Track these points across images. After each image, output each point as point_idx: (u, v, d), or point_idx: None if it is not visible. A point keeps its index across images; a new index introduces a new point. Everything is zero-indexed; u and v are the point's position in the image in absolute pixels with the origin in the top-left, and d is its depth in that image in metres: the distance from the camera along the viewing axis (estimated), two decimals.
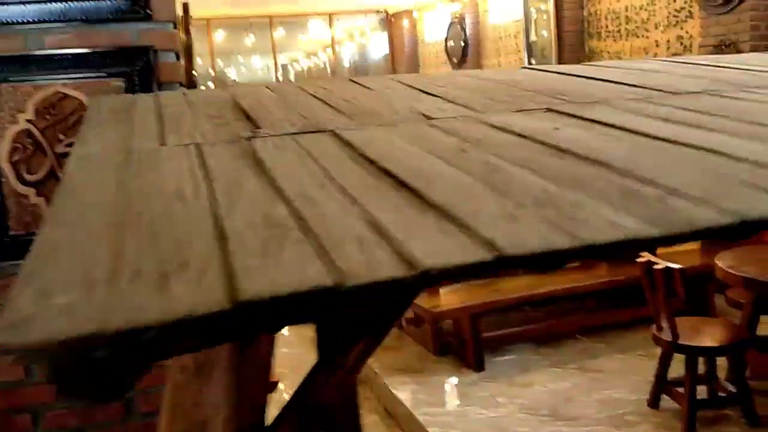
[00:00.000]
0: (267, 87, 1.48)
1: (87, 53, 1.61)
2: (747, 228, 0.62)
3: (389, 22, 11.58)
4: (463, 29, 9.05)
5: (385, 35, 11.80)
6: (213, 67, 12.05)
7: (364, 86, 1.42)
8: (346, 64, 13.99)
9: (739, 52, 4.87)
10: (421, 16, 10.60)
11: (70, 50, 1.60)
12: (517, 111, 1.14)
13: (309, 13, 10.96)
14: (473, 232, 0.59)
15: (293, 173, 0.82)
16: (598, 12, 6.69)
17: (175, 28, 1.71)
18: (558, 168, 0.78)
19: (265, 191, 0.74)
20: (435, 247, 0.57)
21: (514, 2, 7.66)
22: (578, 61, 6.94)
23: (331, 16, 11.31)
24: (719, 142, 0.86)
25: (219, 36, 11.18)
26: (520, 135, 0.95)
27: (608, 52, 6.62)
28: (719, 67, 1.51)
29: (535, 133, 0.95)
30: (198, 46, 11.69)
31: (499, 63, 8.73)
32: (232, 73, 17.70)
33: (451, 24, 9.34)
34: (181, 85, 1.75)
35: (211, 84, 12.11)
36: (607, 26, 6.60)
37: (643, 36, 6.14)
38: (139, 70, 1.63)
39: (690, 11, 5.57)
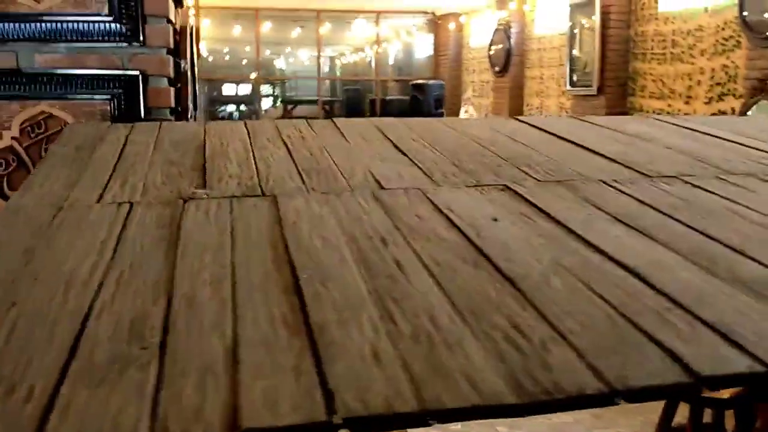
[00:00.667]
0: (246, 125, 1.46)
1: (76, 74, 1.62)
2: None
3: (436, 24, 11.48)
4: (508, 37, 8.91)
5: (431, 37, 11.71)
6: (258, 55, 12.17)
7: (342, 134, 1.38)
8: (391, 62, 13.96)
9: None
10: (468, 21, 10.48)
11: (60, 70, 1.62)
12: (474, 186, 1.10)
13: (356, 10, 10.94)
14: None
15: (200, 258, 0.80)
16: (645, 33, 6.50)
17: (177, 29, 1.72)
18: (463, 284, 0.74)
19: (155, 287, 0.73)
20: None
21: (561, 15, 7.50)
22: (620, 82, 6.77)
23: (378, 15, 11.27)
24: (652, 263, 0.80)
25: (266, 27, 11.27)
26: (452, 224, 0.92)
27: (651, 75, 6.43)
28: (713, 137, 1.42)
29: (469, 225, 0.92)
30: (245, 34, 11.84)
31: (541, 75, 8.58)
32: (279, 63, 17.84)
33: (496, 31, 9.21)
34: (172, 111, 1.75)
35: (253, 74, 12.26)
36: (652, 48, 6.41)
37: (688, 62, 5.94)
38: (126, 94, 1.63)
39: (738, 41, 5.36)
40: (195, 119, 2.94)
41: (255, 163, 1.21)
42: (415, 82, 10.54)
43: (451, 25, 10.87)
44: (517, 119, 1.67)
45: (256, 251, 0.82)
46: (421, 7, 10.94)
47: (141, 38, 1.66)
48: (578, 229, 0.90)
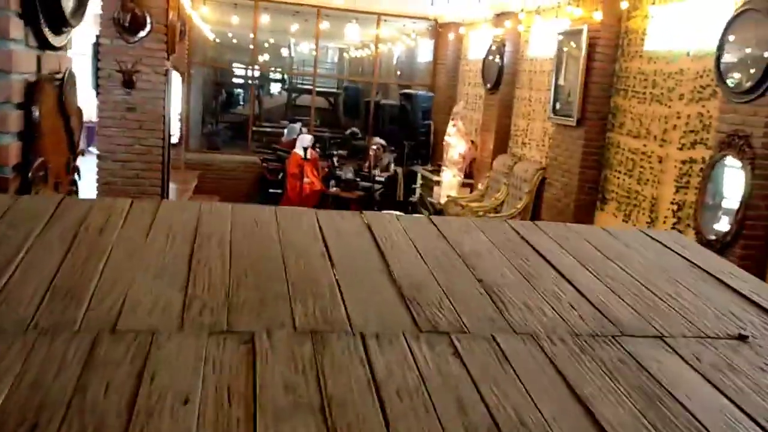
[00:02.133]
0: (201, 207, 1.32)
1: None
2: None
3: (437, 32, 11.36)
4: (501, 55, 8.79)
5: (431, 43, 11.59)
6: (255, 45, 12.11)
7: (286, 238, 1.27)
8: (394, 62, 13.85)
9: (750, 147, 4.57)
10: (467, 33, 10.36)
11: None
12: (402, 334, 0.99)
13: (357, 10, 10.82)
14: None
15: None
16: (629, 69, 6.38)
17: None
18: None
19: None
20: None
21: (552, 40, 7.38)
22: (601, 116, 6.65)
23: (379, 17, 11.15)
24: None
25: (265, 18, 11.18)
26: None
27: (631, 112, 6.31)
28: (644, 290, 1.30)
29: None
30: (243, 23, 11.75)
31: (530, 97, 8.46)
32: (284, 52, 17.74)
33: (490, 47, 9.09)
34: (16, 168, 1.66)
35: (265, 57, 12.18)
36: (634, 86, 6.29)
37: (666, 104, 5.82)
38: None
39: (715, 90, 5.24)
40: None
41: (156, 283, 1.06)
42: (404, 91, 10.45)
43: (451, 35, 10.75)
44: (508, 223, 1.55)
45: None
46: (423, 13, 10.82)
47: None
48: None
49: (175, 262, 1.08)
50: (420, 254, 1.25)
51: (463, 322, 1.03)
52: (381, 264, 1.18)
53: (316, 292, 1.04)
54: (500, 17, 8.80)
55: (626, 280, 1.25)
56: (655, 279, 1.27)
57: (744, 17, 4.69)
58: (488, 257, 1.28)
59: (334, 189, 10.04)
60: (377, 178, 10.08)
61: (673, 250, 1.42)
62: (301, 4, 10.64)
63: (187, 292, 0.99)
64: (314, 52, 13.57)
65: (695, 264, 1.36)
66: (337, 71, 18.64)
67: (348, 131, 12.75)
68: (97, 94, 5.69)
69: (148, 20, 5.46)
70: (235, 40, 15.38)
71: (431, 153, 10.81)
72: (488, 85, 9.12)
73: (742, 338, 1.06)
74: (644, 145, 6.07)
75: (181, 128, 10.06)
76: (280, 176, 10.31)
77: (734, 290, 1.25)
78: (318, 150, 10.57)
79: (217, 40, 14.28)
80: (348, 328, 0.95)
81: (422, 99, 9.64)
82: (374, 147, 10.57)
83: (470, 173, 9.70)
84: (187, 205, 1.40)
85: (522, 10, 8.06)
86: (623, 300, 1.17)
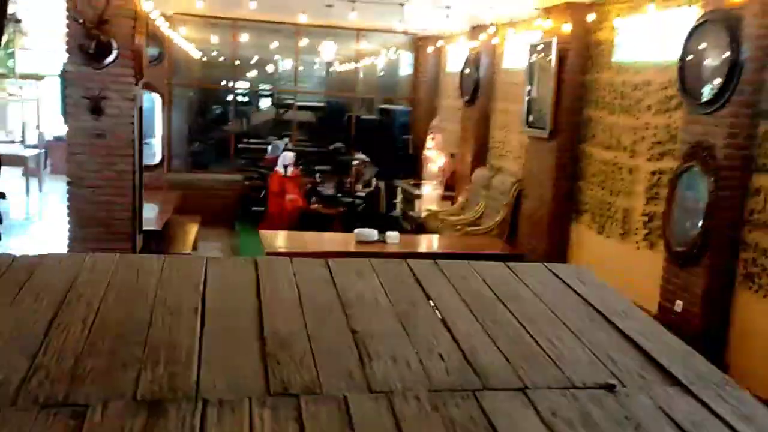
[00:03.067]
0: (85, 260, 1.31)
1: None
2: None
3: (416, 45, 11.39)
4: (477, 68, 8.81)
5: (412, 56, 11.63)
6: (235, 62, 12.16)
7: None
8: (374, 79, 13.88)
9: (713, 158, 4.58)
10: (445, 46, 10.39)
11: None
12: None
13: (336, 26, 10.85)
14: None
15: None
16: (599, 81, 6.39)
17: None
18: None
19: None
20: None
21: (524, 52, 7.40)
22: (573, 127, 6.66)
23: (358, 32, 11.19)
24: None
25: (245, 37, 11.20)
26: None
27: (602, 124, 6.32)
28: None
29: None
30: (226, 41, 11.80)
31: (507, 109, 8.48)
32: (270, 68, 17.76)
33: (466, 60, 9.12)
34: None
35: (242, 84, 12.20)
36: (604, 97, 6.30)
37: (634, 115, 5.83)
38: None
39: (680, 101, 5.25)
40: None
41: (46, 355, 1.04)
42: (382, 106, 10.46)
43: (430, 48, 10.78)
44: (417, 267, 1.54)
45: None
46: (401, 27, 10.84)
47: None
48: None
49: (34, 327, 1.07)
50: (301, 303, 1.24)
51: (319, 382, 1.02)
52: (255, 318, 1.17)
53: (172, 356, 1.03)
54: (475, 30, 8.83)
55: (509, 325, 1.24)
56: (540, 322, 1.26)
57: (703, 29, 4.71)
58: (372, 305, 1.27)
59: (316, 205, 10.03)
60: (358, 194, 10.07)
61: (570, 287, 1.41)
62: (281, 23, 10.68)
63: (35, 361, 0.98)
64: (300, 67, 13.66)
65: (589, 302, 1.35)
66: (327, 86, 18.69)
67: (332, 146, 12.75)
68: (66, 120, 5.69)
69: (114, 46, 5.47)
70: (222, 58, 15.43)
71: (414, 167, 10.82)
72: (465, 98, 9.14)
73: (609, 388, 1.05)
74: (615, 157, 6.08)
75: (162, 149, 10.06)
76: (262, 194, 10.30)
77: (620, 332, 1.24)
78: (302, 166, 10.58)
79: (204, 59, 14.33)
80: (193, 395, 0.94)
81: (400, 114, 9.66)
82: (355, 162, 10.57)
83: (452, 186, 9.70)
84: (70, 259, 1.39)
85: (491, 24, 8.10)
86: (498, 347, 1.16)
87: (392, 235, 6.46)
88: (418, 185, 9.92)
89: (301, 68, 13.66)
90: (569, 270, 1.52)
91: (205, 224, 10.37)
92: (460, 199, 9.19)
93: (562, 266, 1.60)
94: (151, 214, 7.95)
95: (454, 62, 10.01)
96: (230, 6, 9.41)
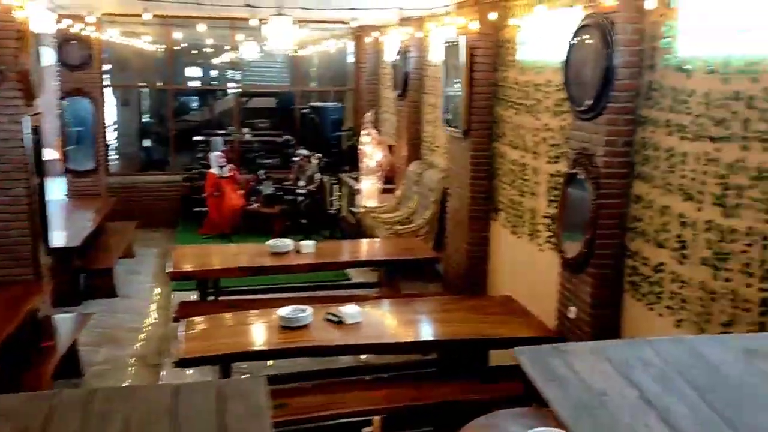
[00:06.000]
0: None
1: None
2: None
3: (356, 35, 11.22)
4: (406, 61, 8.69)
5: (353, 46, 11.46)
6: (170, 65, 11.98)
7: None
8: (314, 69, 13.72)
9: (594, 165, 4.52)
10: (380, 37, 10.23)
11: None
12: None
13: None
14: None
15: None
16: (506, 79, 6.29)
17: None
18: None
19: None
20: None
21: (441, 49, 7.28)
22: (486, 126, 6.58)
23: (298, 23, 10.97)
24: None
25: (178, 35, 11.01)
26: None
27: (510, 123, 6.24)
28: None
29: None
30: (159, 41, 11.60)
31: (435, 103, 8.38)
32: (191, 71, 17.41)
33: (398, 53, 8.99)
34: None
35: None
36: (511, 96, 6.21)
37: (536, 116, 5.76)
38: None
39: None
40: None
41: None
42: (312, 104, 10.33)
43: (368, 39, 10.62)
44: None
45: None
46: (338, 18, 10.66)
47: None
48: None
49: None
50: None
51: None
52: None
53: None
54: (404, 22, 8.69)
55: None
56: None
57: (582, 33, 4.61)
58: None
59: (255, 205, 9.95)
60: (299, 191, 9.98)
61: None
62: (215, 18, 10.47)
63: None
64: (260, 56, 13.46)
65: None
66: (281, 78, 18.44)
67: (282, 139, 12.61)
68: None
69: None
70: (163, 51, 15.21)
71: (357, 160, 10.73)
72: (398, 91, 9.03)
73: None
74: (522, 157, 6.02)
75: (98, 153, 9.92)
76: (204, 194, 10.20)
77: None
78: (243, 168, 10.46)
79: (152, 54, 14.08)
80: None
81: (331, 111, 9.53)
82: (296, 158, 10.47)
83: (392, 179, 9.63)
84: None
85: (417, 18, 7.96)
86: None
87: (307, 245, 6.40)
88: (358, 180, 9.85)
89: (259, 57, 13.43)
90: None
91: (148, 227, 10.29)
92: (397, 193, 9.13)
93: None
94: (73, 227, 7.86)
95: (390, 54, 9.87)
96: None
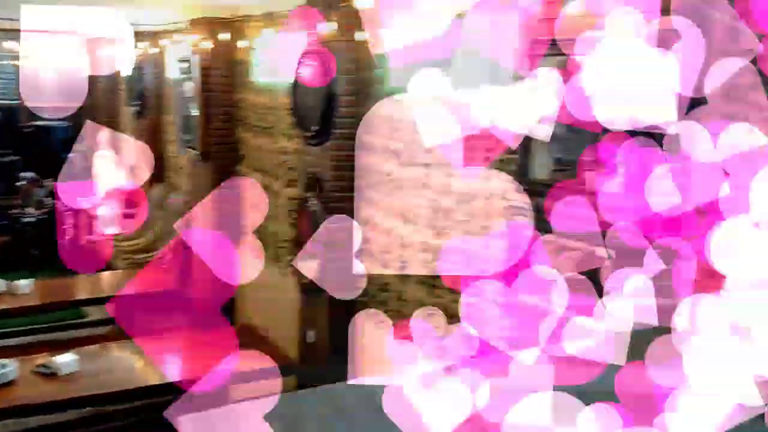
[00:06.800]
0: None
1: None
2: None
3: (89, 47, 10.32)
4: (142, 77, 8.16)
5: (88, 59, 10.51)
6: None
7: None
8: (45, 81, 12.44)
9: (322, 190, 4.57)
10: (113, 50, 9.51)
11: None
12: None
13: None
14: None
15: None
16: (244, 101, 6.18)
17: None
18: None
19: None
20: None
21: (175, 67, 6.94)
22: (229, 149, 6.39)
23: (19, 32, 9.77)
24: None
25: None
26: None
27: (250, 146, 6.13)
28: None
29: None
30: None
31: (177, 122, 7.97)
32: None
33: (134, 68, 8.42)
34: None
35: None
36: (249, 118, 6.11)
37: (273, 139, 5.72)
38: None
39: None
40: None
41: None
42: (37, 123, 9.33)
43: (102, 52, 9.82)
44: None
45: None
46: (67, 29, 9.70)
47: None
48: None
49: None
50: None
51: None
52: None
53: None
54: (137, 36, 8.15)
55: None
56: None
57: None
58: None
59: None
60: (25, 219, 8.85)
61: None
62: None
63: None
64: None
65: None
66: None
67: (7, 159, 11.11)
68: None
69: None
70: None
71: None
72: (134, 109, 8.45)
73: None
74: (263, 180, 5.93)
75: None
76: None
77: None
78: None
79: None
80: None
81: (59, 132, 8.64)
82: (20, 183, 9.28)
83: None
84: None
85: (138, 33, 7.50)
86: None
87: (23, 285, 5.64)
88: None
89: None
90: None
91: None
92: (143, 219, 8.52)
93: None
94: None
95: (125, 69, 9.20)
96: None
